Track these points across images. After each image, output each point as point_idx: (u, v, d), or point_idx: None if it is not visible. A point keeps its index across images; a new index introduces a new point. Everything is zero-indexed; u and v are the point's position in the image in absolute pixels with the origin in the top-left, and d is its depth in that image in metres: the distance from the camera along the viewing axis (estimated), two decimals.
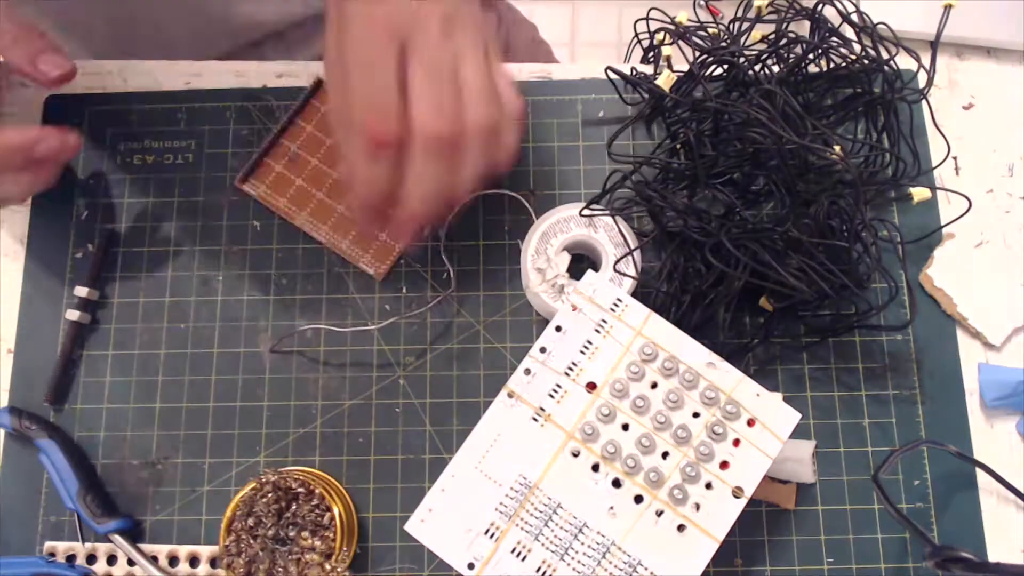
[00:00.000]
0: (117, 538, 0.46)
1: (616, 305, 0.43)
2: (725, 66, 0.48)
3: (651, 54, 0.53)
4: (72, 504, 0.46)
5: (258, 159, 0.52)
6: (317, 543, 0.43)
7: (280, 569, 0.43)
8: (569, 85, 0.54)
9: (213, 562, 0.46)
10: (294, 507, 0.44)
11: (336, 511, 0.44)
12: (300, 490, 0.44)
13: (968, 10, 0.53)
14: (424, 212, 0.42)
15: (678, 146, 0.49)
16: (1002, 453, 0.47)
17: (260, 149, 0.52)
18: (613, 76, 0.52)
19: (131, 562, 0.46)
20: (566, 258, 0.48)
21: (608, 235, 0.48)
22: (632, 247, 0.47)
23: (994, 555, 0.46)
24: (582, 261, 0.50)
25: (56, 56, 0.46)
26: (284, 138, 0.52)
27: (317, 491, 0.44)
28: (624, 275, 0.47)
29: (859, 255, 0.45)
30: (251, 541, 0.43)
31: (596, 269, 0.48)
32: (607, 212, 0.50)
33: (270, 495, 0.44)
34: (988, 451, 0.47)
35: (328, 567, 0.43)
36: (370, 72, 0.40)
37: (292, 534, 0.44)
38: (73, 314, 0.49)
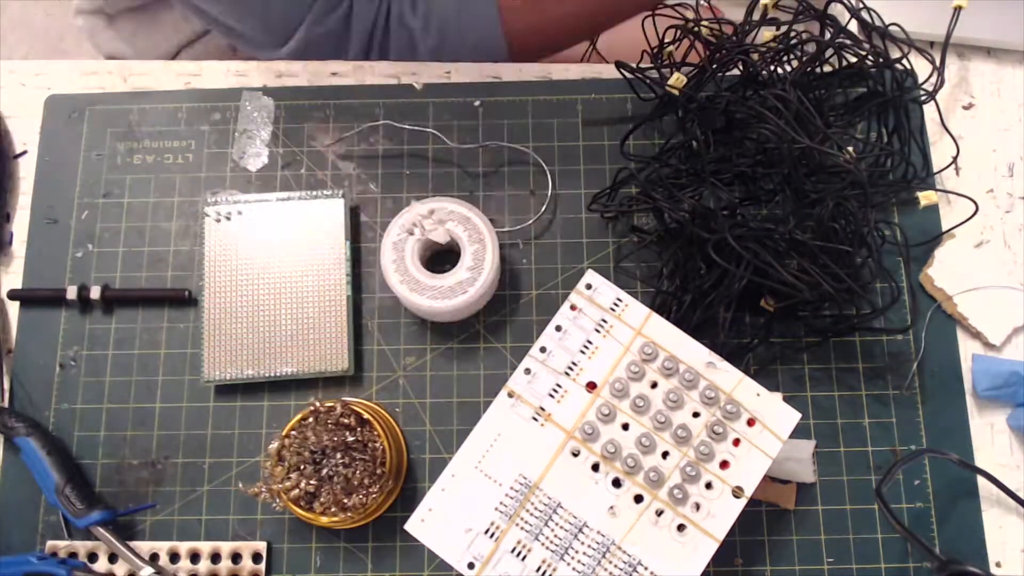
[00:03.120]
0: (99, 530, 0.45)
1: (616, 305, 0.43)
2: (739, 64, 0.48)
3: (660, 56, 0.53)
4: (53, 500, 0.46)
5: None
6: (366, 456, 0.44)
7: (341, 474, 0.43)
8: (569, 85, 0.54)
9: (214, 558, 0.46)
10: (347, 434, 0.44)
11: (381, 445, 0.44)
12: (348, 421, 0.44)
13: (969, 11, 0.53)
14: None
15: (692, 144, 0.49)
16: (1002, 453, 0.47)
17: None
18: (627, 74, 0.51)
19: (111, 558, 0.46)
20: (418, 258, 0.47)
21: (470, 236, 0.47)
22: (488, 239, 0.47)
23: (994, 555, 0.46)
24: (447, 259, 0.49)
25: None
26: None
27: (365, 416, 0.44)
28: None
29: (863, 261, 0.45)
30: (304, 453, 0.44)
31: (456, 261, 0.47)
32: (614, 212, 0.50)
33: (323, 425, 0.44)
34: (988, 451, 0.47)
35: (378, 471, 0.44)
36: None
37: (341, 455, 0.44)
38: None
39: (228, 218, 0.50)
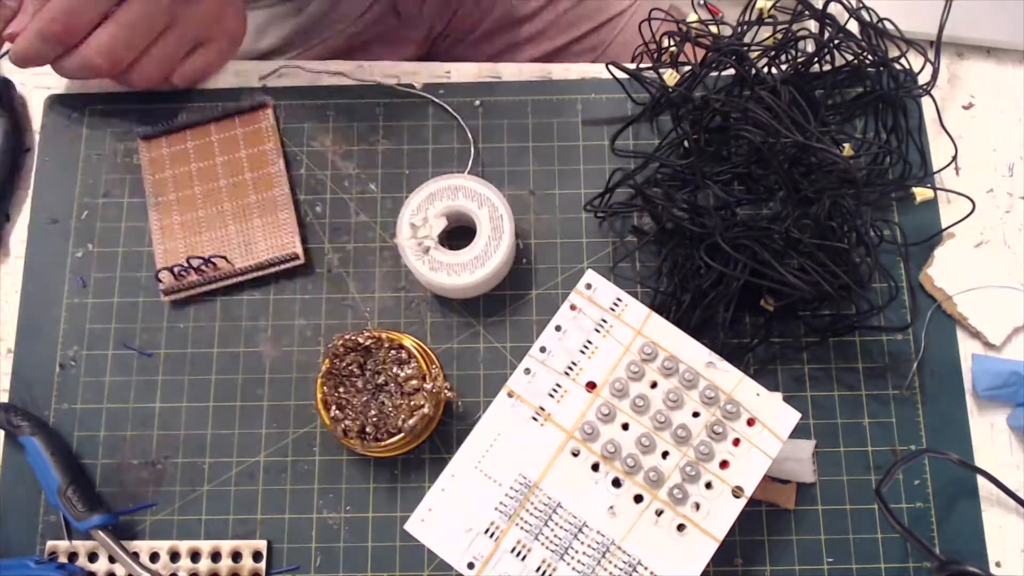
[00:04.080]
0: (99, 534, 0.45)
1: (616, 304, 0.43)
2: (733, 60, 0.48)
3: (657, 57, 0.53)
4: (54, 501, 0.46)
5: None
6: (408, 370, 0.45)
7: (390, 407, 0.45)
8: (569, 85, 0.54)
9: (214, 557, 0.46)
10: (372, 359, 0.46)
11: (407, 344, 0.46)
12: (369, 343, 0.46)
13: (968, 10, 0.53)
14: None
15: (684, 144, 0.49)
16: (1002, 453, 0.47)
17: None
18: (619, 74, 0.51)
19: (112, 559, 0.46)
20: (442, 223, 0.48)
21: (490, 214, 0.48)
22: (508, 226, 0.47)
23: (994, 555, 0.46)
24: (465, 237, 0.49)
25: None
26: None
27: (384, 336, 0.46)
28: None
29: (861, 260, 0.45)
30: (351, 401, 0.45)
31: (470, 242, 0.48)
32: (605, 215, 0.51)
33: (348, 356, 0.45)
34: (988, 451, 0.47)
35: (429, 386, 0.45)
36: None
37: (381, 380, 0.45)
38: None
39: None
